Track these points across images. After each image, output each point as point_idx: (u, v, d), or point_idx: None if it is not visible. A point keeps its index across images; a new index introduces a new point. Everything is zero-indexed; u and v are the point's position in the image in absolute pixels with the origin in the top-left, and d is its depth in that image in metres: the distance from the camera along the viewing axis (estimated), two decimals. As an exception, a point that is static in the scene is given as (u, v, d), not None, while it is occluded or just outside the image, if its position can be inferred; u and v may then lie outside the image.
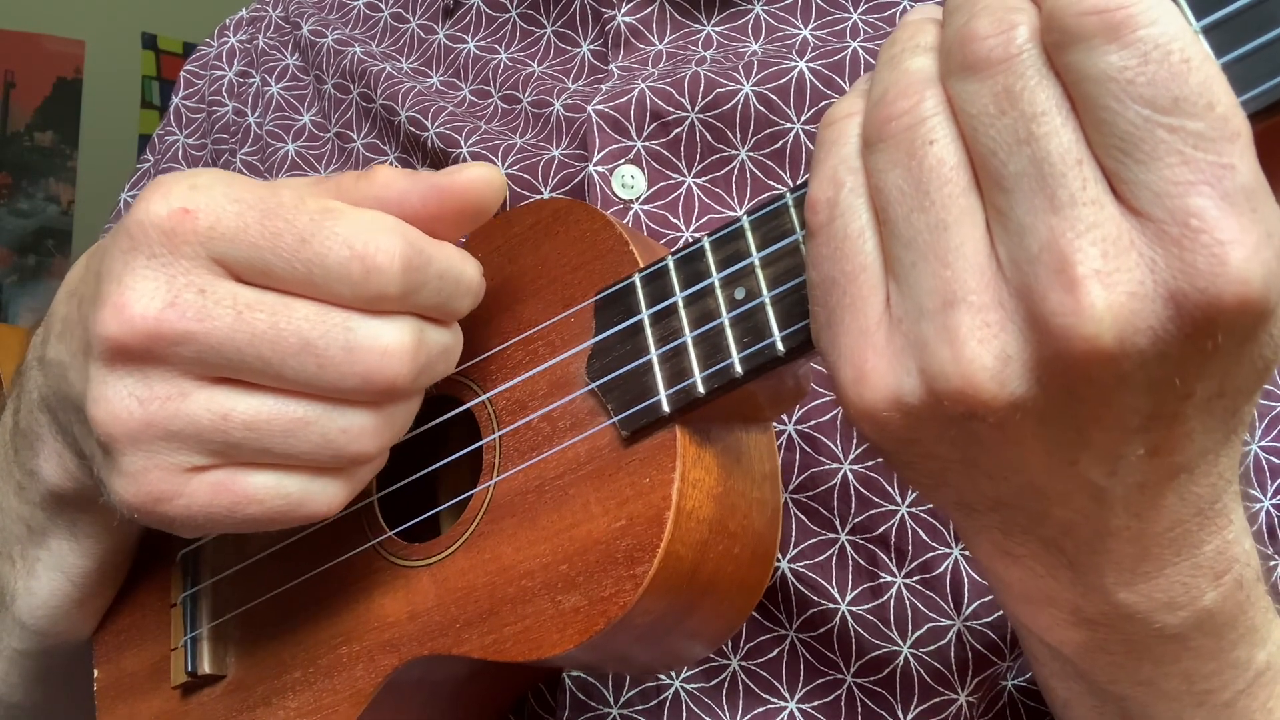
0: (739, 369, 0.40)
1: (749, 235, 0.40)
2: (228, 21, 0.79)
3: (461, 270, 0.44)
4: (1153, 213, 0.30)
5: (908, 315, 0.33)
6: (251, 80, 0.75)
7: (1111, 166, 0.30)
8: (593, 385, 0.44)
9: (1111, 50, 0.30)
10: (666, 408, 0.42)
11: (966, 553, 0.51)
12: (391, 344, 0.41)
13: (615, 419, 0.43)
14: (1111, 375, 0.31)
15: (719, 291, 0.41)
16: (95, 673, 0.59)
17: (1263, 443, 0.53)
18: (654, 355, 0.42)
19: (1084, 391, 0.32)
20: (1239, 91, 0.30)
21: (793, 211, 0.39)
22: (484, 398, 0.47)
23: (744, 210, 0.49)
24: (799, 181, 0.55)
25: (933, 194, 0.33)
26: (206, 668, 0.53)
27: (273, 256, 0.40)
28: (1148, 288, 0.30)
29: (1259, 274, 0.29)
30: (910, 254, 0.33)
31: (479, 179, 0.44)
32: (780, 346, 0.39)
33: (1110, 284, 0.30)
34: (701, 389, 0.41)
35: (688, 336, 0.41)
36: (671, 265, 0.43)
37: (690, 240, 0.43)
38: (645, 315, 0.43)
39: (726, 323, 0.40)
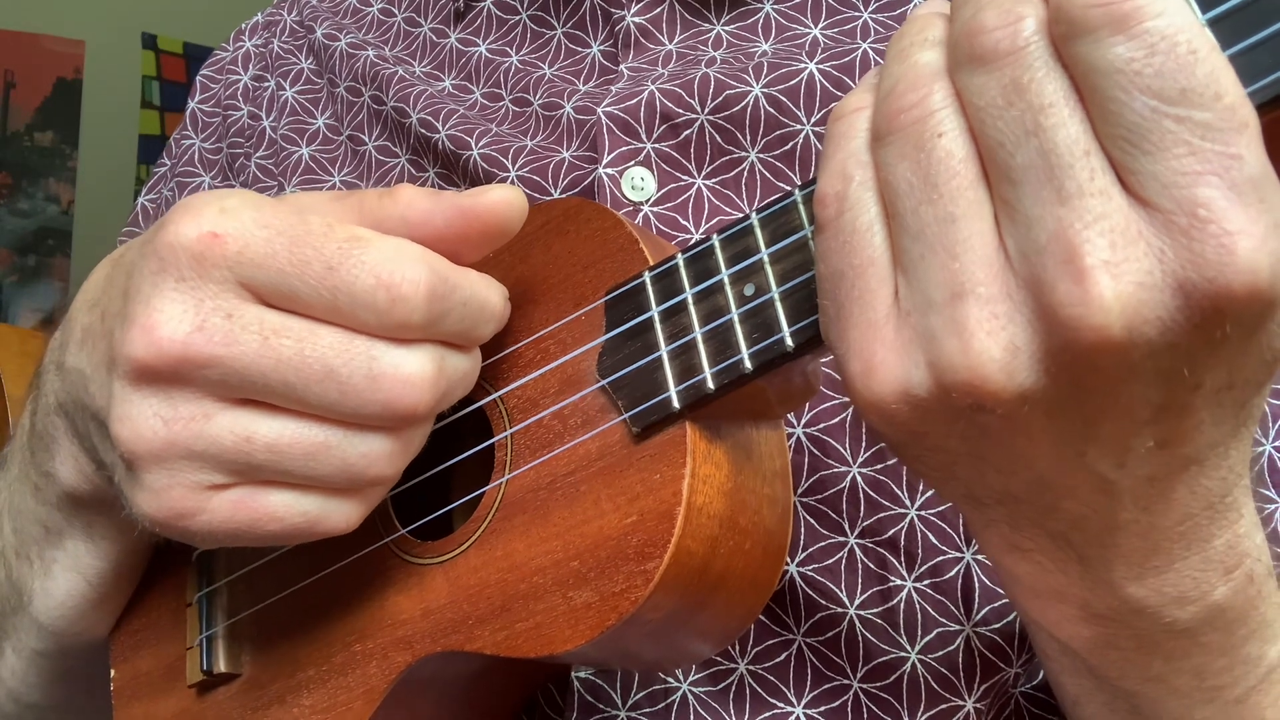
0: (748, 365, 0.40)
1: (758, 232, 0.41)
2: (243, 26, 0.80)
3: (485, 298, 0.44)
4: (1160, 203, 0.30)
5: (916, 308, 0.33)
6: (266, 84, 0.75)
7: (1119, 157, 0.31)
8: (603, 382, 0.44)
9: (1118, 42, 0.30)
10: (677, 404, 0.42)
11: (978, 557, 0.51)
12: (413, 373, 0.42)
13: (626, 415, 0.43)
14: (1120, 366, 0.31)
15: (728, 288, 0.41)
16: (112, 672, 0.59)
17: (1276, 443, 0.52)
18: (664, 352, 0.43)
19: (1092, 382, 0.32)
20: (1246, 83, 0.30)
21: (801, 208, 0.40)
22: (495, 396, 0.48)
23: (753, 208, 0.49)
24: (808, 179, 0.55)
25: (941, 187, 0.33)
26: (222, 666, 0.53)
27: (299, 283, 0.41)
28: (1156, 278, 0.30)
29: (1267, 264, 0.29)
30: (919, 246, 0.33)
31: (502, 201, 0.44)
32: (789, 342, 0.39)
33: (1118, 274, 0.30)
34: (711, 385, 0.41)
35: (697, 333, 0.42)
36: (681, 263, 0.43)
37: (700, 238, 0.44)
38: (655, 312, 0.43)
39: (736, 319, 0.41)
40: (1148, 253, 0.30)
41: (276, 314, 0.42)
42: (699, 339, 0.42)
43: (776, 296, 0.40)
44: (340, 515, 0.44)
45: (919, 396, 0.33)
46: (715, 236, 0.42)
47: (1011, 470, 0.35)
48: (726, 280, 0.41)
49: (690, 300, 0.42)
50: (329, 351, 0.41)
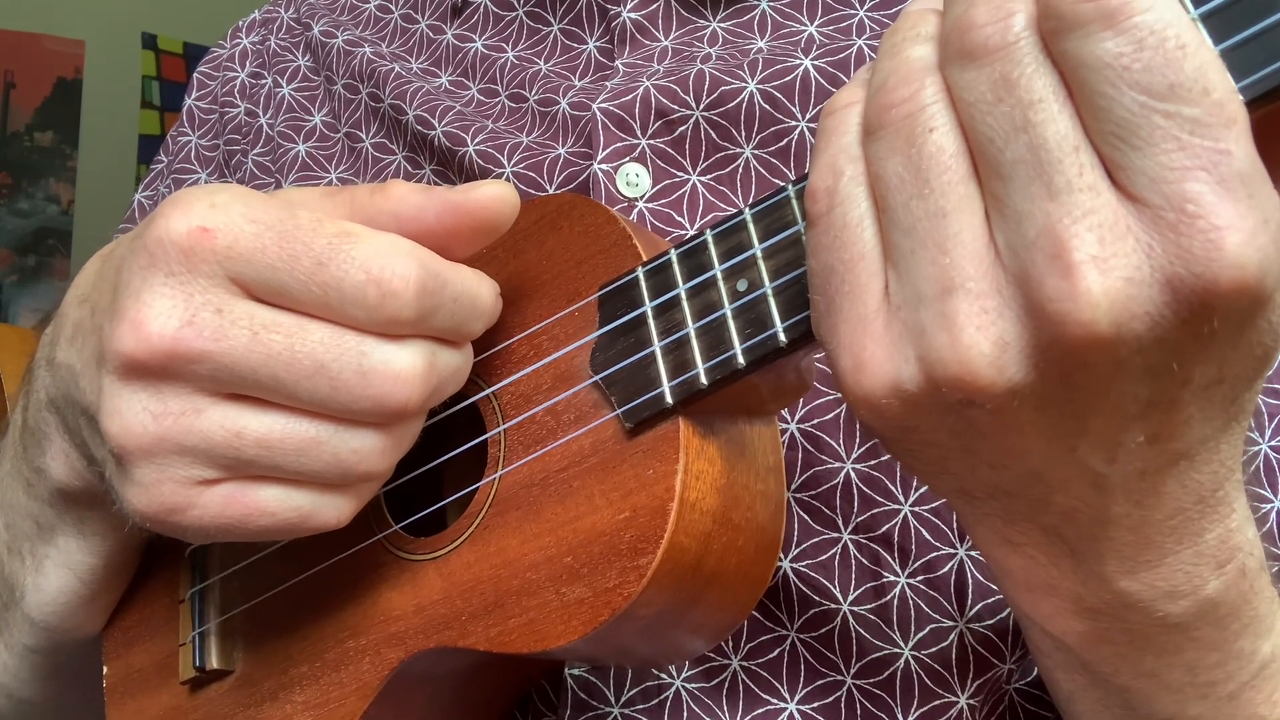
0: (741, 360, 0.40)
1: (751, 227, 0.41)
2: (240, 23, 0.80)
3: (475, 294, 0.44)
4: (1149, 198, 0.30)
5: (906, 302, 0.33)
6: (263, 81, 0.75)
7: (1108, 153, 0.31)
8: (596, 378, 0.44)
9: (1107, 37, 0.30)
10: (670, 399, 0.42)
11: (972, 553, 0.51)
12: (404, 369, 0.42)
13: (619, 411, 0.43)
14: (1108, 361, 0.31)
15: (721, 283, 0.41)
16: (104, 668, 0.59)
17: (1273, 442, 0.52)
18: (657, 347, 0.43)
19: (1081, 378, 0.32)
20: (1237, 78, 0.30)
21: (794, 203, 0.40)
22: (489, 391, 0.48)
23: (747, 203, 0.49)
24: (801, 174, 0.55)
25: (932, 181, 0.33)
26: (214, 663, 0.53)
27: (289, 278, 0.41)
28: (1144, 273, 0.30)
29: (1255, 259, 0.29)
30: (909, 241, 0.33)
31: (494, 196, 0.44)
32: (782, 337, 0.39)
33: (1106, 269, 0.30)
34: (704, 380, 0.41)
35: (690, 328, 0.42)
36: (674, 258, 0.43)
37: (693, 234, 0.44)
38: (648, 308, 0.43)
39: (729, 314, 0.41)
40: (1136, 248, 0.30)
41: (266, 309, 0.42)
42: (692, 334, 0.42)
43: (770, 292, 0.40)
44: (332, 510, 0.44)
45: (909, 391, 0.33)
46: (708, 232, 0.42)
47: (1003, 464, 0.35)
48: (720, 276, 0.41)
49: (683, 296, 0.42)
50: (319, 347, 0.41)
